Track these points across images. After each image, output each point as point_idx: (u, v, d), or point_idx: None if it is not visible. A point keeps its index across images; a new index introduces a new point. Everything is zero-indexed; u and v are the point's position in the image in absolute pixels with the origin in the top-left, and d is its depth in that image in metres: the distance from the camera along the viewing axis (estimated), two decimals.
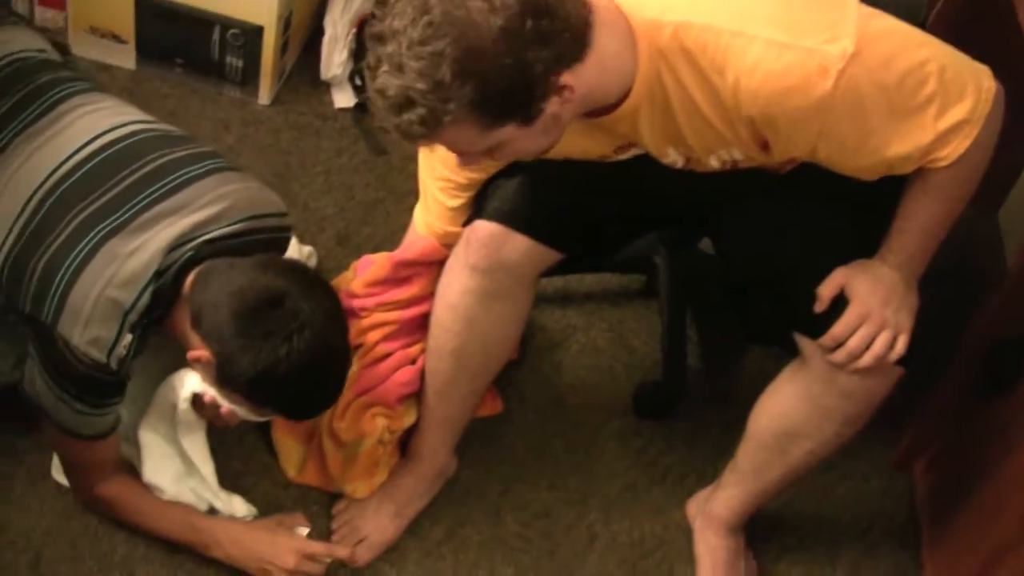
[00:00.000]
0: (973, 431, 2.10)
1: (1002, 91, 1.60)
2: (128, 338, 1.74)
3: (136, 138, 1.87)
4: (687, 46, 1.52)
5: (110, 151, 1.84)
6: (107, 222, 1.77)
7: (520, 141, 1.50)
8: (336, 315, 1.78)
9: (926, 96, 1.53)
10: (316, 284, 1.78)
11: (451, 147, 1.53)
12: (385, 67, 1.41)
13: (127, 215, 1.78)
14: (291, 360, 1.70)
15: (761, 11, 1.51)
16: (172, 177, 1.83)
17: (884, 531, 2.21)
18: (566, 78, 1.46)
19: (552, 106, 1.47)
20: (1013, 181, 2.66)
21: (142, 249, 1.76)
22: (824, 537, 2.19)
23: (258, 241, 1.85)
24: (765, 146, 1.61)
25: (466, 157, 1.57)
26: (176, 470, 1.95)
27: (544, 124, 1.49)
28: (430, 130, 1.43)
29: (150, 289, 1.74)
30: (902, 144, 1.56)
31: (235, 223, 1.83)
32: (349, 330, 1.84)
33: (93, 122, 1.88)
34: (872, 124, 1.55)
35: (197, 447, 1.94)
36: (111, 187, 1.80)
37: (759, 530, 2.13)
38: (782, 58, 1.49)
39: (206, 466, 1.96)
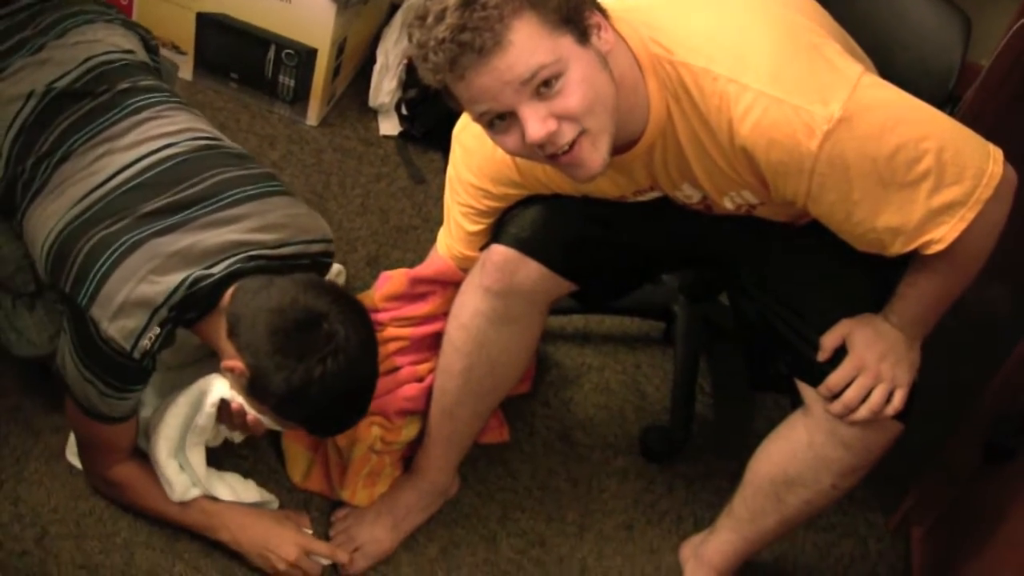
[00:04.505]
0: (971, 501, 2.11)
1: (1012, 179, 1.59)
2: (155, 332, 1.80)
3: (200, 153, 1.95)
4: (688, 86, 1.57)
5: (173, 162, 1.92)
6: (157, 222, 1.85)
7: (578, 68, 1.49)
8: (370, 341, 1.84)
9: (920, 173, 1.54)
10: (354, 309, 1.83)
11: (516, 61, 1.46)
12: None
13: (178, 220, 1.86)
14: (323, 382, 1.76)
15: (760, 63, 1.54)
16: (228, 194, 1.91)
17: None
18: (598, 18, 1.52)
19: (596, 39, 1.51)
20: None
21: (185, 252, 1.83)
22: None
23: (302, 266, 1.92)
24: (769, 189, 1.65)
25: (528, 90, 1.48)
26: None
27: (597, 57, 1.51)
28: (497, 21, 1.44)
29: (184, 290, 1.80)
30: (891, 217, 1.57)
31: (287, 246, 1.91)
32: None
33: (163, 134, 1.96)
34: (858, 194, 1.56)
35: (198, 458, 1.99)
36: (170, 194, 1.89)
37: None
38: (770, 112, 1.52)
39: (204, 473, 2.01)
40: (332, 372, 1.76)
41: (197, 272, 1.81)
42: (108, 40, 2.07)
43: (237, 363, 1.80)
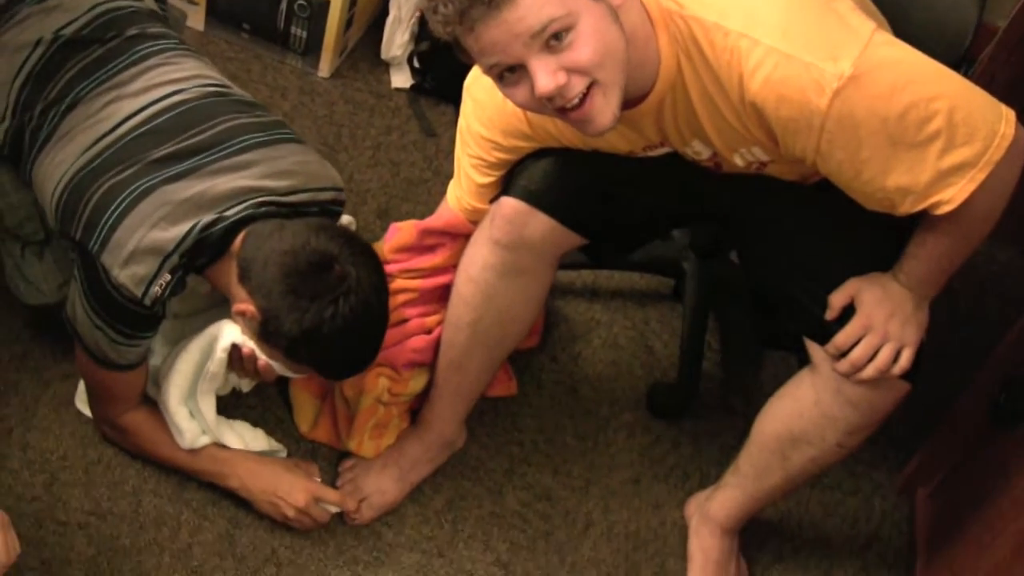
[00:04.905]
0: (977, 463, 2.11)
1: None
2: (166, 278, 1.81)
3: (209, 100, 1.95)
4: (699, 41, 1.56)
5: (182, 108, 1.92)
6: (167, 169, 1.85)
7: (588, 21, 1.47)
8: (380, 283, 1.84)
9: (930, 133, 1.52)
10: (365, 251, 1.83)
11: (526, 13, 1.44)
12: None
13: (188, 167, 1.86)
14: (335, 323, 1.76)
15: (771, 19, 1.53)
16: (238, 140, 1.91)
17: (880, 552, 2.22)
18: None
19: None
20: None
21: (196, 198, 1.83)
22: (819, 551, 2.21)
23: (312, 214, 1.92)
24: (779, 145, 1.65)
25: (538, 43, 1.46)
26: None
27: (608, 11, 1.49)
28: None
29: (195, 235, 1.80)
30: (900, 177, 1.56)
31: (297, 193, 1.91)
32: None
33: (172, 80, 1.96)
34: (867, 152, 1.54)
35: (208, 406, 1.99)
36: (179, 141, 1.88)
37: (756, 536, 2.16)
38: (780, 67, 1.51)
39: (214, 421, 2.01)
40: (343, 313, 1.76)
41: (208, 218, 1.81)
42: None
43: (248, 306, 1.80)
